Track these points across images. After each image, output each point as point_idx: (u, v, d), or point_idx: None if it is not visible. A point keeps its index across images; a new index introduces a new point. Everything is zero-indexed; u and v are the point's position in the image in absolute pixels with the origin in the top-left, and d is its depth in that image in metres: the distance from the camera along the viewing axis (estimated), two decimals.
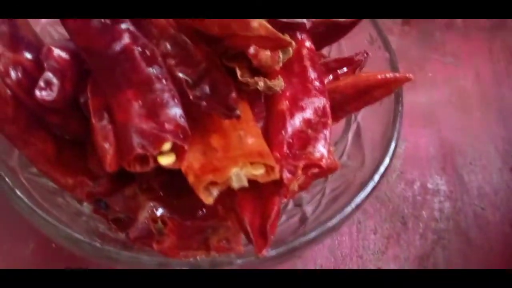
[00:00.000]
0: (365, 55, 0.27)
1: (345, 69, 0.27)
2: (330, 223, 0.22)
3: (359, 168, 0.26)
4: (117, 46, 0.21)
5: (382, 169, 0.24)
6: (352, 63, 0.27)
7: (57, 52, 0.21)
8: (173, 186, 0.22)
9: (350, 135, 0.28)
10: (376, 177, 0.23)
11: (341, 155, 0.28)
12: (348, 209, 0.22)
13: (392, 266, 0.31)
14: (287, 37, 0.19)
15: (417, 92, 0.38)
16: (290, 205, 0.27)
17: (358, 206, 0.23)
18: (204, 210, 0.23)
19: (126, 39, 0.21)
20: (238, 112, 0.19)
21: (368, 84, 0.23)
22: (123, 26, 0.21)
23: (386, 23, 0.37)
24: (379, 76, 0.23)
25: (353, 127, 0.29)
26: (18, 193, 0.22)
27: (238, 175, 0.19)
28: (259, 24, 0.19)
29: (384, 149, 0.24)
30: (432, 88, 0.40)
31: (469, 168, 0.36)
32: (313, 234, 0.22)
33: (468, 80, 0.40)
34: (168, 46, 0.22)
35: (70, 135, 0.23)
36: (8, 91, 0.21)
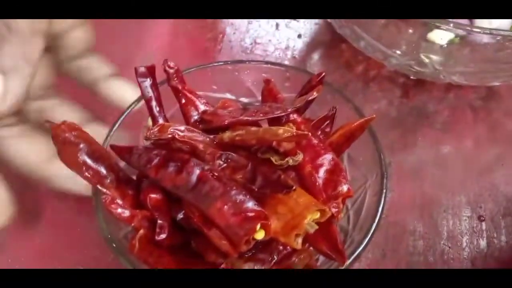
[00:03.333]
0: (334, 109, 0.39)
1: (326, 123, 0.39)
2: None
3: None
4: (194, 177, 0.31)
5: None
6: (329, 118, 0.39)
7: (153, 196, 0.32)
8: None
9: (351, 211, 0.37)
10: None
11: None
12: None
13: None
14: (301, 132, 0.31)
15: (408, 152, 0.48)
16: None
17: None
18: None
19: (197, 171, 0.32)
20: (294, 186, 0.30)
21: (351, 131, 0.35)
22: (191, 163, 0.32)
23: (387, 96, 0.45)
24: (356, 123, 0.35)
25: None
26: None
27: (309, 224, 0.30)
28: (283, 131, 0.30)
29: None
30: (420, 149, 0.49)
31: (443, 215, 0.45)
32: None
33: (452, 144, 0.50)
34: (221, 163, 0.33)
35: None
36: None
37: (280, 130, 0.30)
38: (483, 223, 0.44)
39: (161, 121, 0.36)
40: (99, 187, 0.32)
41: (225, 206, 0.30)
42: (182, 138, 0.33)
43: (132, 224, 0.30)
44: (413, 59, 0.48)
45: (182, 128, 0.33)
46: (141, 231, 0.29)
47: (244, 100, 0.44)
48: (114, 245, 0.31)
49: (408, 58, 0.48)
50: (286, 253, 0.33)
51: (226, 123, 0.33)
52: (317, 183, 0.32)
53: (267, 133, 0.31)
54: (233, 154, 0.33)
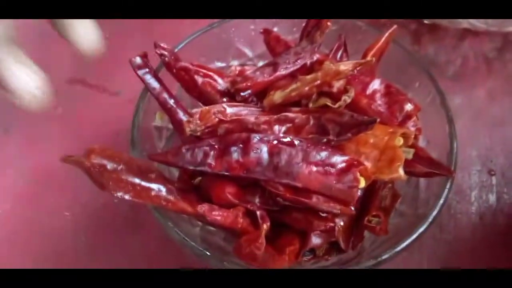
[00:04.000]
0: (342, 36, 0.36)
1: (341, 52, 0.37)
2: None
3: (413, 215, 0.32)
4: (264, 154, 0.28)
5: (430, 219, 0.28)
6: (341, 46, 0.36)
7: (231, 190, 0.28)
8: None
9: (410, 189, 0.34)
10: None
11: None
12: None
13: None
14: (363, 60, 0.28)
15: None
16: None
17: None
18: None
19: (264, 146, 0.28)
20: (376, 118, 0.27)
21: (380, 49, 0.33)
22: (254, 140, 0.28)
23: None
24: (382, 40, 0.33)
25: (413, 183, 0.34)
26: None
27: (405, 150, 0.28)
28: (344, 66, 0.27)
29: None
30: None
31: None
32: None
33: (463, 95, 0.45)
34: (281, 127, 0.29)
35: None
36: None
37: (341, 66, 0.27)
38: (493, 178, 0.41)
39: (180, 111, 0.31)
40: (164, 204, 0.26)
41: (314, 168, 0.27)
42: (230, 117, 0.29)
43: (239, 226, 0.26)
44: None
45: (223, 106, 0.29)
46: (265, 227, 0.25)
47: (236, 62, 0.39)
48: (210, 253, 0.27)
49: None
50: None
51: (267, 82, 0.29)
52: (382, 111, 0.30)
53: (328, 75, 0.28)
54: (289, 114, 0.29)
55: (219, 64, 0.39)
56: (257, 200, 0.29)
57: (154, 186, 0.26)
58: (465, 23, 0.43)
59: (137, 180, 0.26)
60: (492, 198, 0.40)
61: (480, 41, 0.49)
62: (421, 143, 0.33)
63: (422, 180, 0.33)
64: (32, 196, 0.40)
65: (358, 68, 0.28)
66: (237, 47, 0.39)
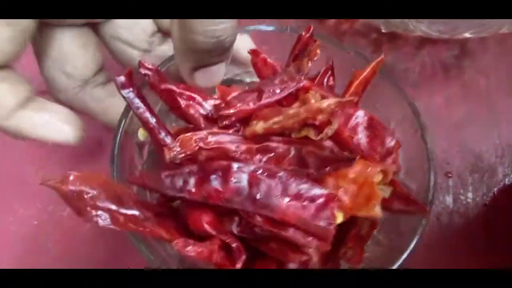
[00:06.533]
0: (331, 60, 0.37)
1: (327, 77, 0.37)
2: None
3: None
4: (244, 183, 0.28)
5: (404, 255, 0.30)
6: (328, 70, 0.37)
7: (207, 219, 0.28)
8: None
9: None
10: None
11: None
12: None
13: None
14: (347, 98, 0.29)
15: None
16: None
17: None
18: None
19: (244, 175, 0.28)
20: (357, 156, 0.28)
21: (366, 78, 0.34)
22: (234, 168, 0.28)
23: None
24: (369, 69, 0.34)
25: None
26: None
27: (382, 188, 0.29)
28: (328, 103, 0.28)
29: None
30: None
31: None
32: None
33: (422, 101, 0.48)
34: (261, 157, 0.30)
35: None
36: None
37: (324, 103, 0.28)
38: (450, 180, 0.44)
39: (162, 132, 0.31)
40: (140, 230, 0.27)
41: (292, 202, 0.28)
42: (211, 145, 0.29)
43: (214, 261, 0.26)
44: None
45: (204, 133, 0.29)
46: (240, 262, 0.26)
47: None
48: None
49: None
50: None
51: (250, 110, 0.30)
52: (363, 145, 0.31)
53: (310, 112, 0.28)
54: (271, 144, 0.30)
55: None
56: (235, 227, 0.30)
57: (131, 212, 0.27)
58: (418, 31, 0.45)
59: (113, 207, 0.26)
60: (449, 199, 0.43)
61: (438, 49, 0.51)
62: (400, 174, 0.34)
63: None
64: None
65: (341, 106, 0.28)
66: None
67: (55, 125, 0.32)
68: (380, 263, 0.31)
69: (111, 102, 0.37)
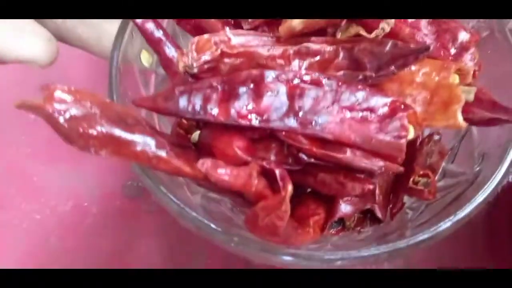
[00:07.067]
0: None
1: None
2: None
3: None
4: (282, 96, 0.22)
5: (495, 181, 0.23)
6: None
7: (241, 143, 0.22)
8: None
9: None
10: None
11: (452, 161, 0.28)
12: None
13: None
14: None
15: None
16: None
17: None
18: None
19: (281, 85, 0.22)
20: (428, 45, 0.21)
21: None
22: (268, 77, 0.22)
23: None
24: None
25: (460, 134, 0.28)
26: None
27: (465, 89, 0.22)
28: None
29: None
30: None
31: None
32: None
33: None
34: (301, 62, 0.23)
35: None
36: None
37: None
38: None
39: (171, 46, 0.25)
40: (153, 162, 0.20)
41: (348, 114, 0.22)
42: (236, 49, 0.22)
43: (253, 189, 0.20)
44: None
45: (228, 35, 0.23)
46: (289, 189, 0.19)
47: None
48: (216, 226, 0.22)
49: None
50: None
51: None
52: (430, 42, 0.24)
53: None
54: (312, 45, 0.23)
55: None
56: (272, 157, 0.23)
57: (140, 138, 0.20)
58: None
59: (116, 130, 0.20)
60: None
61: None
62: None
63: (474, 131, 0.27)
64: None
65: None
66: None
67: (26, 39, 0.26)
68: (458, 197, 0.25)
69: (105, 29, 0.30)
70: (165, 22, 0.27)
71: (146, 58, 0.28)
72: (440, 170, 0.27)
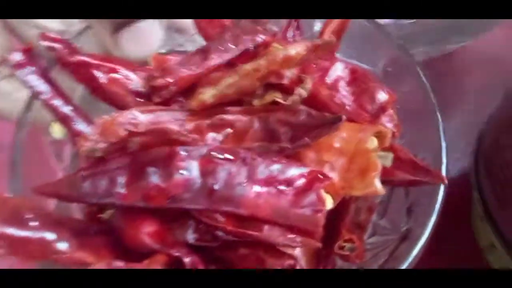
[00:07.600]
0: None
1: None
2: None
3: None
4: (195, 173, 0.21)
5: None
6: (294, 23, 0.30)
7: (150, 229, 0.20)
8: None
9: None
10: None
11: None
12: None
13: None
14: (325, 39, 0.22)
15: None
16: None
17: None
18: None
19: (194, 162, 0.21)
20: (342, 116, 0.21)
21: (342, 23, 0.27)
22: (180, 155, 0.21)
23: None
24: None
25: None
26: None
27: (381, 155, 0.22)
28: (296, 49, 0.20)
29: None
30: None
31: None
32: None
33: None
34: (216, 135, 0.22)
35: None
36: None
37: (292, 49, 0.20)
38: None
39: (79, 123, 0.23)
40: (54, 257, 0.19)
41: (263, 189, 0.21)
42: (144, 125, 0.21)
43: None
44: None
45: (133, 112, 0.21)
46: None
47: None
48: None
49: None
50: None
51: (195, 76, 0.22)
52: (348, 104, 0.24)
53: (274, 63, 0.21)
54: (226, 117, 0.22)
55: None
56: (191, 236, 0.22)
57: (36, 234, 0.19)
58: None
59: (10, 230, 0.18)
60: None
61: None
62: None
63: None
64: None
65: (314, 52, 0.21)
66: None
67: None
68: (386, 256, 0.25)
69: (20, 98, 0.29)
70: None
71: (57, 130, 0.26)
72: (370, 226, 0.26)
